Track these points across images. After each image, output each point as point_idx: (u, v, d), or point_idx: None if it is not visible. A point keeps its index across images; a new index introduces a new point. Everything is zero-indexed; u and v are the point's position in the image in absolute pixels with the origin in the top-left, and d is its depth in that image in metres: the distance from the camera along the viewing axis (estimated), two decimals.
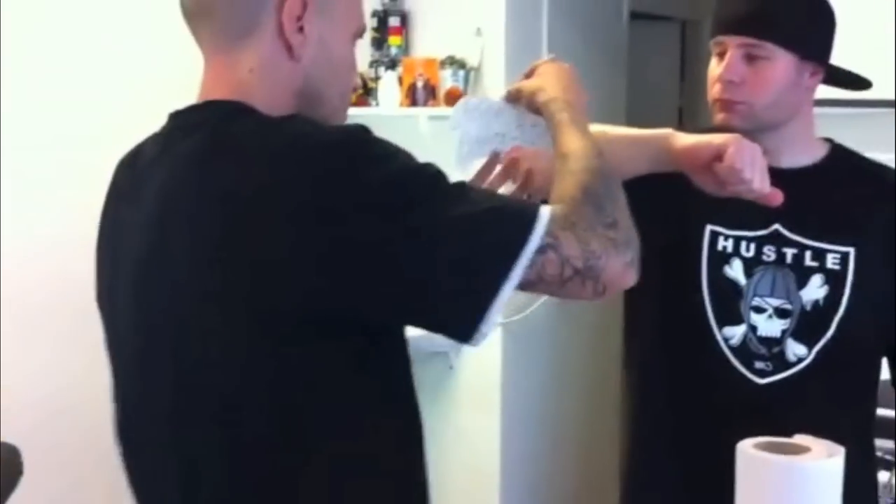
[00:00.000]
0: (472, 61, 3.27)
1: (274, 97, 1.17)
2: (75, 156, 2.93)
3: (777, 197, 1.36)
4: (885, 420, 1.84)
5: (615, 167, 1.22)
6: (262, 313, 1.05)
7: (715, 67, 1.70)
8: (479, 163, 1.41)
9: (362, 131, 1.09)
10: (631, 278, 1.13)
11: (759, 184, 1.34)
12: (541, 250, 1.06)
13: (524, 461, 3.57)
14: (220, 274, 1.06)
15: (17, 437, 2.44)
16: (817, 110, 1.76)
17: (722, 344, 1.69)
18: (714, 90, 1.70)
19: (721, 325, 1.69)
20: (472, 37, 3.26)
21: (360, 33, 1.23)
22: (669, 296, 1.72)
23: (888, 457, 2.27)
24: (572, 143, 1.21)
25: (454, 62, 3.25)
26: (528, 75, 1.37)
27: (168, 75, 2.60)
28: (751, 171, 1.32)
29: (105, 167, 1.31)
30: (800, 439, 1.23)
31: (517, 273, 1.05)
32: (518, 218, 1.07)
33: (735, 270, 1.70)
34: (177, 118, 1.20)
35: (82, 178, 2.76)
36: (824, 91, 1.80)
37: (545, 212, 1.08)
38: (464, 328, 1.06)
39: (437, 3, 3.36)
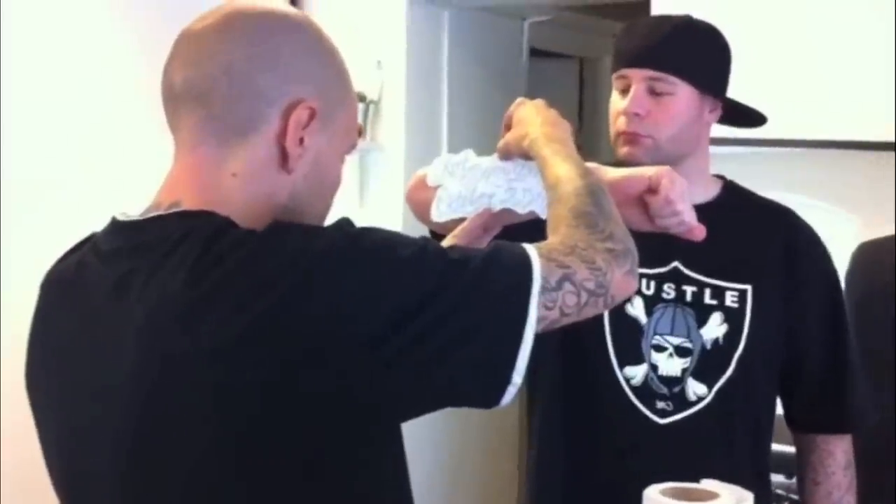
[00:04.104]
0: (372, 95, 3.24)
1: (252, 208, 1.06)
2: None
3: (701, 232, 1.34)
4: (777, 455, 1.86)
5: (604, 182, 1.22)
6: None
7: (618, 101, 1.71)
8: (458, 218, 1.36)
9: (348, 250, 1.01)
10: (633, 286, 1.13)
11: (689, 216, 1.32)
12: (557, 286, 1.05)
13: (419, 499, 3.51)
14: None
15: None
16: (722, 149, 1.78)
17: (624, 384, 1.68)
18: (618, 123, 1.70)
19: (622, 364, 1.69)
20: (373, 70, 3.23)
21: (350, 152, 1.15)
22: (571, 336, 1.71)
23: (779, 491, 2.31)
24: (557, 170, 1.20)
25: None
26: (507, 126, 1.35)
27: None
28: (682, 203, 1.31)
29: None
30: (707, 484, 1.22)
31: (531, 328, 1.02)
32: (512, 272, 1.04)
33: (636, 308, 1.69)
34: (140, 231, 1.07)
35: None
36: (726, 130, 1.83)
37: (533, 253, 1.05)
38: (487, 397, 1.04)
39: (338, 35, 3.31)
